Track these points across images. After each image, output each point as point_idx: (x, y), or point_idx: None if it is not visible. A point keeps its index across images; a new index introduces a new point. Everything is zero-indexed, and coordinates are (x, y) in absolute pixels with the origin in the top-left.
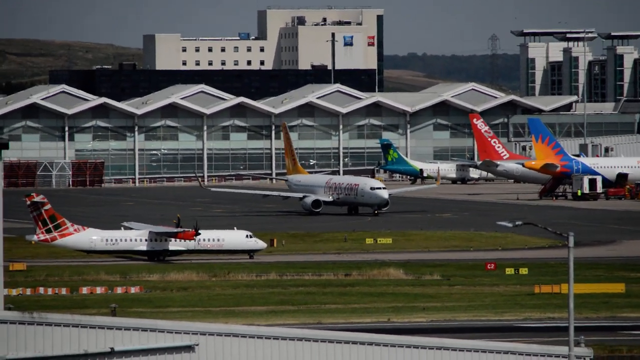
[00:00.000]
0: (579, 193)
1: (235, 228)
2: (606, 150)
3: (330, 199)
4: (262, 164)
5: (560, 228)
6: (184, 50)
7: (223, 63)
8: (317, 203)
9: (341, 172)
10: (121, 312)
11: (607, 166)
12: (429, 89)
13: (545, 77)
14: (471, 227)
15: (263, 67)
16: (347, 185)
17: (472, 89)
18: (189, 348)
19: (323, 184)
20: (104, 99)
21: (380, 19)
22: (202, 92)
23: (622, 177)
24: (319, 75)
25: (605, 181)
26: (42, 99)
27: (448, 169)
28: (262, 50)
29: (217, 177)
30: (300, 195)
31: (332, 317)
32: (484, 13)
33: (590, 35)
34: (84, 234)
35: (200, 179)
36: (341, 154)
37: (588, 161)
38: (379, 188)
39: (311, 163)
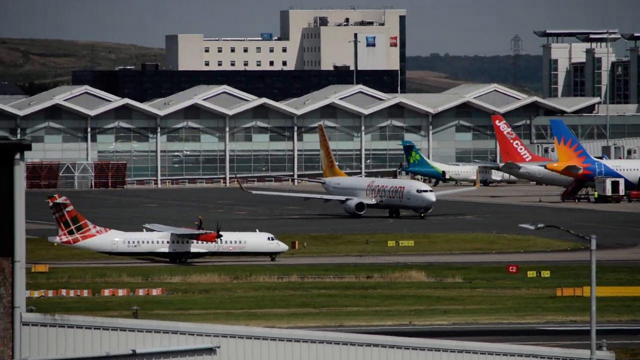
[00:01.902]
0: (596, 195)
1: (257, 230)
2: (629, 152)
3: (373, 201)
4: (285, 165)
5: (583, 231)
6: (207, 50)
7: (245, 64)
8: (360, 206)
9: (363, 173)
10: (143, 314)
11: (630, 168)
12: (451, 90)
13: (568, 78)
14: (493, 230)
15: (285, 68)
16: (391, 187)
17: (495, 90)
18: (210, 350)
19: (365, 187)
20: (126, 100)
21: (402, 19)
22: (224, 92)
23: None
24: (341, 76)
25: (628, 183)
26: (65, 100)
27: (470, 170)
28: (284, 50)
29: (239, 178)
30: (342, 198)
31: (354, 319)
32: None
33: (613, 36)
34: (106, 235)
35: (240, 180)
36: (363, 156)
37: (610, 163)
38: (426, 191)
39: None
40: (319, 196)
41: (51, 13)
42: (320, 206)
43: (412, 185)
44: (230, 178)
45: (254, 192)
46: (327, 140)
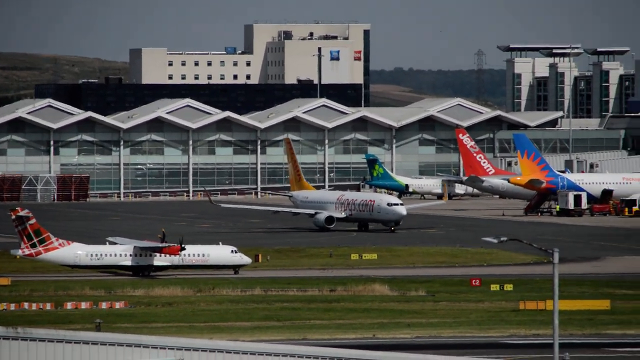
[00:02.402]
0: (557, 209)
1: (220, 243)
2: (591, 166)
3: (343, 215)
4: (248, 178)
5: (546, 244)
6: (170, 64)
7: (209, 77)
8: (330, 219)
9: (326, 187)
10: (106, 327)
11: (592, 182)
12: (414, 104)
13: (531, 92)
14: (457, 243)
15: (249, 82)
16: (361, 201)
17: (458, 104)
18: None
19: (334, 200)
20: (89, 113)
21: (366, 33)
22: (188, 106)
23: (607, 193)
24: (305, 89)
25: (590, 197)
26: (28, 113)
27: (433, 184)
28: (248, 64)
29: (201, 191)
30: (311, 211)
31: (317, 332)
32: (470, 28)
33: (576, 50)
34: (69, 248)
35: (209, 194)
36: (327, 169)
37: (573, 177)
38: (397, 204)
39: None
40: (287, 209)
41: (14, 26)
42: (288, 219)
43: (383, 199)
44: (198, 191)
45: (222, 205)
46: (294, 153)
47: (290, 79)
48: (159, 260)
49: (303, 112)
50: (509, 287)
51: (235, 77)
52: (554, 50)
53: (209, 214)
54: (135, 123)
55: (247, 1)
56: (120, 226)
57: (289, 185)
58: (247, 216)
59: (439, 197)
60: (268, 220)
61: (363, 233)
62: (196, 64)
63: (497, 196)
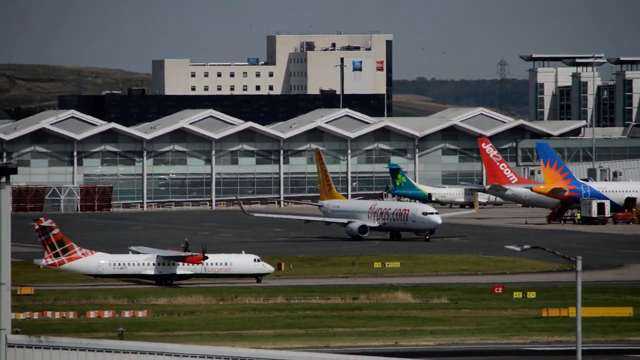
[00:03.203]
0: (579, 216)
1: (243, 252)
2: (614, 174)
3: (376, 224)
4: (271, 188)
5: (569, 252)
6: (193, 75)
7: (232, 88)
8: (363, 228)
9: (349, 196)
10: (129, 335)
11: (616, 190)
12: (437, 113)
13: (554, 101)
14: (479, 251)
15: (272, 92)
16: (395, 210)
17: (481, 114)
18: None
19: (366, 209)
20: (112, 124)
21: (389, 44)
22: (210, 117)
23: (630, 202)
24: (328, 100)
25: (614, 205)
26: (51, 124)
27: (456, 193)
28: (271, 75)
29: (225, 201)
30: (344, 220)
31: (340, 340)
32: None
33: (599, 60)
34: (92, 258)
35: (241, 203)
36: (349, 178)
37: (596, 185)
38: (432, 213)
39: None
40: (320, 219)
41: (38, 38)
42: (313, 229)
43: (418, 208)
44: (221, 201)
45: (255, 214)
46: (324, 163)
47: (312, 89)
48: (182, 269)
49: (326, 122)
50: (531, 294)
51: (257, 87)
52: (577, 60)
53: (231, 223)
54: (159, 134)
55: (270, 12)
56: (143, 236)
57: (311, 194)
58: (271, 225)
59: (462, 205)
60: (291, 229)
61: (396, 242)
62: (219, 75)
63: (520, 205)
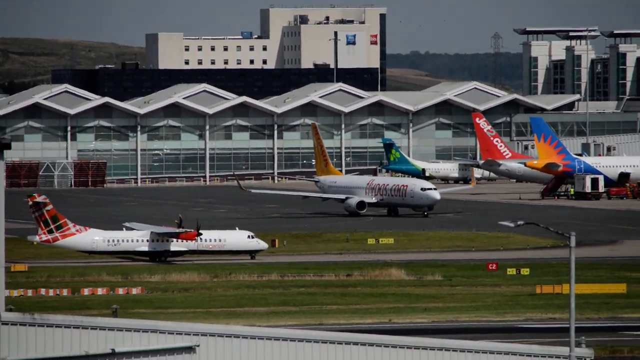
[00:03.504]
0: (572, 191)
1: (237, 228)
2: (608, 149)
3: (374, 200)
4: (265, 163)
5: (562, 228)
6: (187, 49)
7: (226, 62)
8: (361, 204)
9: (343, 171)
10: (122, 313)
11: (610, 165)
12: (431, 88)
13: (548, 75)
14: (473, 227)
15: (265, 66)
16: (393, 186)
17: (475, 88)
18: (189, 349)
19: (364, 185)
20: (106, 99)
21: (382, 17)
22: (204, 91)
23: (624, 177)
24: (322, 74)
25: (608, 180)
26: (45, 99)
27: (450, 168)
28: (264, 49)
29: (219, 177)
30: (342, 196)
31: (334, 317)
32: (486, 11)
33: (592, 33)
34: (86, 234)
35: (238, 179)
36: (343, 153)
37: (590, 160)
38: (430, 189)
39: (313, 162)
40: (317, 195)
41: (31, 12)
42: (306, 204)
43: (416, 184)
44: (215, 176)
45: (253, 191)
46: (320, 138)
47: (306, 63)
48: (176, 245)
49: (319, 97)
50: (525, 271)
51: (251, 62)
52: (571, 33)
53: (225, 199)
54: (152, 108)
55: None
56: (137, 212)
57: (305, 170)
58: (265, 201)
59: (456, 181)
60: (285, 205)
61: (393, 218)
62: (212, 49)
63: (514, 180)
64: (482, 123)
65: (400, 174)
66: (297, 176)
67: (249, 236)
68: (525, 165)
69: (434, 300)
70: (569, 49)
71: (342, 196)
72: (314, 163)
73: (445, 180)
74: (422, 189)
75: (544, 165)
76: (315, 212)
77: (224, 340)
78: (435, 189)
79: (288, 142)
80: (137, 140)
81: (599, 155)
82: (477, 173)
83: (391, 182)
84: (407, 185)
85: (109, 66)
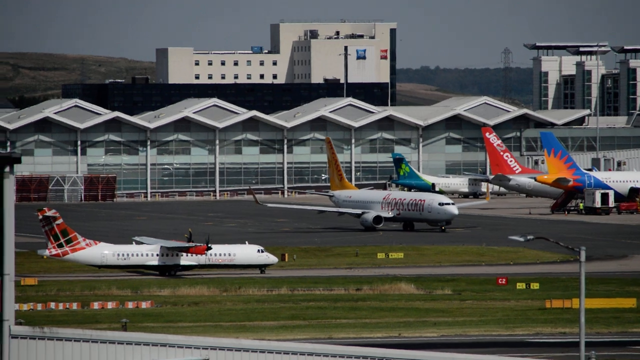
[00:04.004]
0: (581, 206)
1: (247, 242)
2: (619, 164)
3: (390, 214)
4: (274, 177)
5: (572, 242)
6: (197, 63)
7: (236, 77)
8: (378, 219)
9: (353, 185)
10: (132, 327)
11: (620, 180)
12: (441, 102)
13: (558, 90)
14: (483, 242)
15: (276, 81)
16: (410, 200)
17: (485, 103)
18: None
19: (380, 200)
20: (116, 113)
21: (393, 32)
22: (214, 106)
23: (634, 192)
24: (332, 88)
25: (618, 195)
26: (55, 113)
27: (460, 183)
28: (274, 63)
29: (229, 191)
30: (358, 211)
31: (343, 331)
32: (496, 26)
33: (603, 48)
34: (96, 248)
35: (254, 193)
36: (353, 168)
37: (600, 175)
38: (448, 204)
39: (323, 177)
40: (333, 209)
41: (41, 26)
42: (317, 219)
43: (434, 199)
44: (225, 191)
45: (269, 205)
46: (335, 153)
47: (316, 78)
48: (186, 259)
49: (329, 112)
50: (535, 285)
51: (261, 76)
52: (581, 49)
53: (235, 214)
54: (162, 123)
55: (273, 0)
56: (147, 226)
57: (314, 184)
58: (275, 215)
59: (466, 195)
60: (294, 219)
61: (409, 233)
62: (222, 63)
63: (524, 195)
64: (492, 138)
65: (409, 189)
66: (307, 191)
67: (258, 250)
68: (536, 180)
69: (443, 314)
70: (580, 64)
71: (359, 211)
72: (324, 177)
73: (455, 194)
74: (439, 204)
75: (554, 180)
76: (326, 226)
77: (234, 354)
78: (453, 203)
79: (298, 156)
80: (147, 155)
81: (609, 170)
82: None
83: (408, 196)
84: (424, 200)
85: (119, 81)
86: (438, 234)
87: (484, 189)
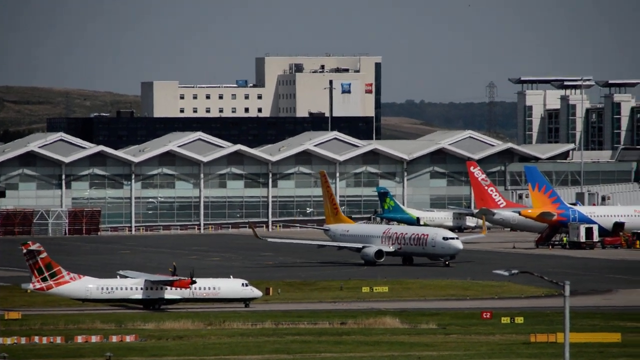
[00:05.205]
0: (565, 240)
1: (231, 276)
2: (603, 198)
3: (392, 249)
4: (259, 211)
5: (557, 277)
6: (182, 97)
7: (221, 110)
8: (380, 253)
9: None
10: None
11: (604, 215)
12: (426, 136)
13: (543, 124)
14: (467, 276)
15: (261, 115)
16: (413, 235)
17: (469, 137)
18: None
19: (379, 234)
20: (101, 147)
21: (378, 66)
22: (199, 139)
23: (618, 226)
24: (317, 122)
25: (602, 230)
26: (40, 147)
27: (444, 217)
28: (259, 97)
29: (213, 225)
30: (359, 245)
31: None
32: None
33: (587, 83)
34: (80, 282)
35: (254, 227)
36: (338, 202)
37: (585, 210)
38: (453, 238)
39: (308, 211)
40: (334, 244)
41: (26, 60)
42: (299, 252)
43: (437, 233)
44: (209, 224)
45: (269, 240)
46: (330, 186)
47: (301, 112)
48: (170, 293)
49: (314, 145)
50: (519, 319)
51: (246, 110)
52: (566, 83)
53: (219, 248)
54: (147, 157)
55: (259, 34)
56: (131, 260)
57: (300, 218)
58: (260, 250)
59: (451, 230)
60: (279, 254)
61: (409, 267)
62: (207, 97)
63: (509, 229)
64: (477, 172)
65: (394, 223)
66: (291, 225)
67: (243, 284)
68: (520, 214)
69: (428, 348)
70: (564, 99)
71: (359, 245)
72: (309, 211)
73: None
74: (444, 238)
75: (539, 214)
76: (315, 261)
77: None
78: (457, 238)
79: (283, 190)
80: (132, 189)
81: (594, 204)
82: (472, 222)
83: (409, 231)
84: (427, 235)
85: (104, 114)
86: (442, 268)
87: (469, 223)
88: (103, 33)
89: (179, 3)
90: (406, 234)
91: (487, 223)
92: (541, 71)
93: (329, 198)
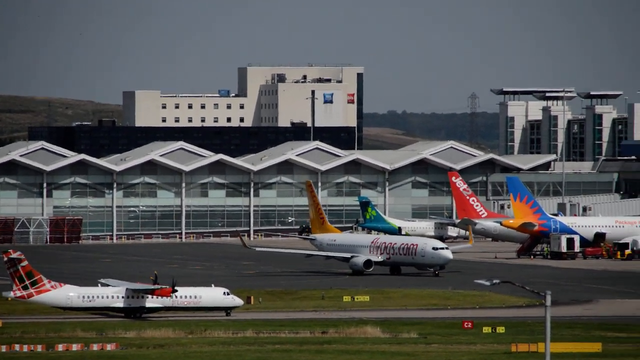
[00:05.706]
0: (546, 251)
1: (212, 285)
2: (584, 209)
3: (380, 258)
4: (241, 221)
5: (538, 287)
6: (164, 106)
7: (203, 120)
8: (369, 263)
9: None
10: None
11: (585, 225)
12: (408, 146)
13: (524, 135)
14: (449, 286)
15: (243, 124)
16: (402, 245)
17: (451, 147)
18: None
19: (368, 243)
20: (82, 156)
21: (360, 76)
22: (181, 149)
23: (599, 237)
24: (299, 132)
25: (583, 240)
26: (21, 156)
27: (426, 227)
28: (242, 107)
29: (194, 234)
30: (347, 255)
31: None
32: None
33: (569, 94)
34: (61, 290)
35: (242, 236)
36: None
37: (566, 220)
38: (443, 248)
39: (289, 220)
40: (322, 253)
41: (7, 69)
42: (311, 263)
43: (427, 243)
44: (190, 233)
45: (257, 249)
46: (316, 196)
47: (283, 121)
48: (151, 302)
49: (296, 155)
50: (501, 329)
51: (228, 119)
52: (548, 94)
53: (201, 256)
54: (129, 165)
55: (241, 44)
56: (112, 268)
57: (281, 227)
58: (241, 258)
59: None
60: (261, 262)
61: (397, 277)
62: (190, 106)
63: (490, 239)
64: (459, 182)
65: (376, 232)
66: (273, 234)
67: (224, 293)
68: (501, 224)
69: (409, 358)
70: (546, 110)
71: (347, 254)
72: (290, 220)
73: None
74: (433, 248)
75: (520, 224)
76: (298, 270)
77: None
78: (447, 248)
79: (264, 199)
80: (113, 197)
81: (575, 215)
82: (454, 232)
83: (398, 240)
84: (417, 245)
85: (86, 123)
86: (430, 277)
87: (450, 233)
88: (85, 42)
89: (162, 13)
90: (395, 243)
91: (468, 233)
92: (523, 82)
93: (315, 207)
